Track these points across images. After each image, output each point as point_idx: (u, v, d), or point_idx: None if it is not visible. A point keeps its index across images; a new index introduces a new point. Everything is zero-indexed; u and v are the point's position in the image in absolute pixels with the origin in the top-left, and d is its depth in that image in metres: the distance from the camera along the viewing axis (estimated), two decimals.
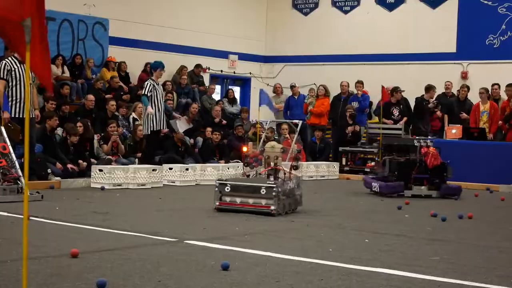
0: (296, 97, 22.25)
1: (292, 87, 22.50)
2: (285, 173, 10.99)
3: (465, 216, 10.80)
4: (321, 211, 11.36)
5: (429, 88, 20.18)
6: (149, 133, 16.13)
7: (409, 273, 6.53)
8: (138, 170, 14.27)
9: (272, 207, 10.39)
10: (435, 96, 20.28)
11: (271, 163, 10.90)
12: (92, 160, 15.31)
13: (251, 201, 10.61)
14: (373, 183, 14.24)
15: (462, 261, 7.28)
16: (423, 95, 20.36)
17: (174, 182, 15.07)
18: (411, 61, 23.24)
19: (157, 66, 16.50)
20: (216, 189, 10.82)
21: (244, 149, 13.04)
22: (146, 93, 16.11)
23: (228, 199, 10.76)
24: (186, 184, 15.05)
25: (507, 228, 9.96)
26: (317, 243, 8.10)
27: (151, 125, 16.06)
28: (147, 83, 16.26)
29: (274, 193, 10.39)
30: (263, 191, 10.45)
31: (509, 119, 18.04)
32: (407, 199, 12.98)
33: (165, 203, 11.93)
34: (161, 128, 16.29)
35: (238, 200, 10.70)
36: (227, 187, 10.75)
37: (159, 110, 16.13)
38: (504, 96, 19.06)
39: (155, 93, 16.09)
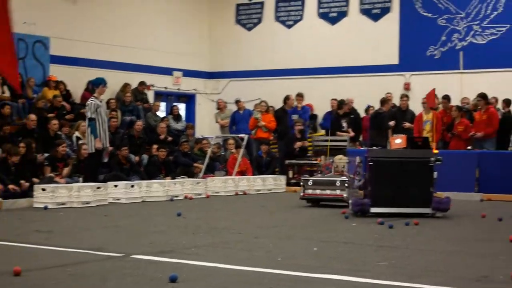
0: (241, 112, 22.24)
1: (237, 102, 22.49)
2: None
3: (411, 223, 10.85)
4: (269, 223, 11.32)
5: (384, 101, 20.27)
6: (94, 151, 15.77)
7: (358, 278, 6.53)
8: (82, 188, 14.07)
9: (344, 195, 13.64)
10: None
11: (340, 170, 14.28)
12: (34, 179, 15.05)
13: (328, 191, 13.96)
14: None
15: (409, 265, 7.30)
16: (380, 107, 20.48)
17: (119, 200, 14.87)
18: (355, 74, 23.38)
19: (99, 83, 16.17)
20: (301, 183, 14.21)
21: (319, 159, 16.06)
22: (91, 116, 15.62)
23: (310, 191, 14.06)
24: (132, 201, 14.87)
25: (451, 233, 10.03)
26: (265, 253, 8.05)
27: (94, 144, 15.62)
28: (91, 103, 15.69)
29: (346, 184, 13.73)
30: (338, 183, 13.83)
31: (452, 128, 18.25)
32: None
33: (110, 220, 11.77)
34: (106, 146, 15.95)
35: (318, 191, 14.01)
36: (310, 182, 14.09)
37: (102, 128, 15.82)
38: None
39: (100, 111, 15.78)
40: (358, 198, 12.74)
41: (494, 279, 6.57)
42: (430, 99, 17.07)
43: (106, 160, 16.14)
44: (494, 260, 7.60)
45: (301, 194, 14.16)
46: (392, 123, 19.66)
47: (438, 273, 6.84)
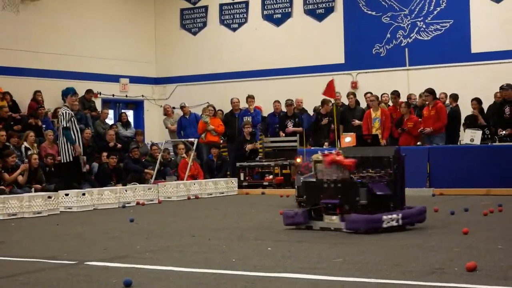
0: (187, 117, 22.17)
1: (182, 107, 22.40)
2: None
3: None
4: (222, 225, 11.28)
5: (323, 103, 20.34)
6: (71, 159, 15.72)
7: (313, 276, 6.52)
8: (33, 198, 13.89)
9: None
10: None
11: None
12: None
13: None
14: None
15: (364, 261, 7.31)
16: (320, 108, 20.58)
17: (71, 208, 14.72)
18: (302, 74, 23.47)
19: (68, 92, 16.25)
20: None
21: (298, 160, 14.40)
22: (66, 125, 15.65)
23: None
24: (83, 210, 14.72)
25: (408, 228, 10.07)
26: (220, 255, 8.01)
27: (71, 152, 15.66)
28: (65, 112, 15.75)
29: None
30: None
31: (400, 124, 18.39)
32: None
33: (62, 228, 11.63)
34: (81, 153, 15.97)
35: None
36: None
37: (77, 137, 15.80)
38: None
39: (73, 120, 15.74)
40: None
41: (449, 271, 6.60)
42: (329, 90, 16.96)
43: (85, 169, 16.23)
44: (448, 253, 7.65)
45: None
46: (324, 122, 19.81)
47: (394, 267, 6.85)
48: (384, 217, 9.52)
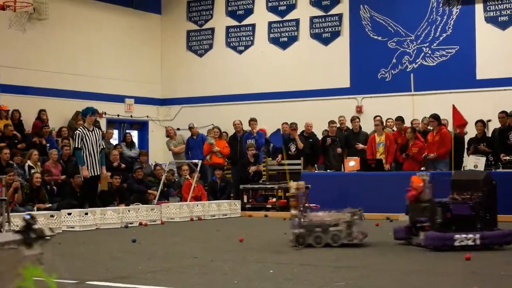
0: (195, 138, 22.21)
1: (191, 128, 22.46)
2: None
3: (368, 243, 10.87)
4: (225, 247, 11.26)
5: (329, 124, 20.45)
6: (82, 179, 16.01)
7: None
8: (35, 216, 13.84)
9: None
10: (335, 132, 20.53)
11: None
12: None
13: None
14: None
15: (367, 285, 7.29)
16: (326, 130, 20.65)
17: (73, 228, 14.69)
18: (307, 98, 23.49)
19: (87, 112, 16.39)
20: None
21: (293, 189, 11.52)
22: (77, 145, 15.93)
23: None
24: (86, 229, 14.69)
25: (410, 253, 10.04)
26: (221, 277, 7.99)
27: (90, 171, 15.82)
28: (77, 133, 16.06)
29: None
30: None
31: (405, 149, 18.37)
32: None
33: (65, 248, 11.59)
34: (97, 172, 16.00)
35: None
36: None
37: (91, 155, 15.86)
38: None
39: (86, 140, 15.81)
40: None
41: None
42: (457, 117, 16.90)
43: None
44: (455, 278, 7.64)
45: None
46: (328, 141, 19.85)
47: None
48: (457, 236, 10.00)
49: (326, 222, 10.82)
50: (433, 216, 10.49)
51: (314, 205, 11.44)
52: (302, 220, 10.88)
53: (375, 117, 20.30)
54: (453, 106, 16.54)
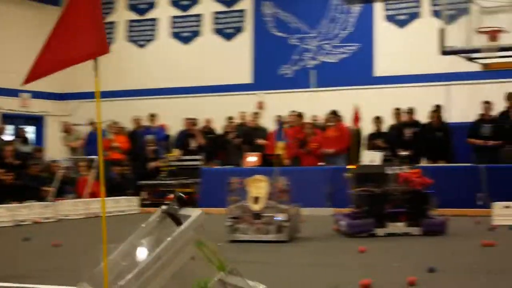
0: (96, 133, 21.89)
1: (92, 123, 22.08)
2: None
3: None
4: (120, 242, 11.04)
5: (229, 119, 20.44)
6: None
7: None
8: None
9: None
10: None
11: None
12: None
13: None
14: (341, 222, 12.00)
15: (263, 278, 7.23)
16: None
17: None
18: (209, 93, 23.40)
19: None
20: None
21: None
22: None
23: None
24: None
25: (305, 247, 10.07)
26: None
27: None
28: None
29: None
30: None
31: (304, 145, 18.46)
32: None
33: None
34: None
35: None
36: None
37: None
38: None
39: None
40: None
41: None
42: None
43: None
44: (345, 270, 7.68)
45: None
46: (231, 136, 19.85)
47: (292, 285, 6.83)
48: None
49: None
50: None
51: None
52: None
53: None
54: (356, 109, 16.77)
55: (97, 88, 5.11)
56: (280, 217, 10.78)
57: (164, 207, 4.87)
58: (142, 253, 4.86)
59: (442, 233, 11.29)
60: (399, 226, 11.24)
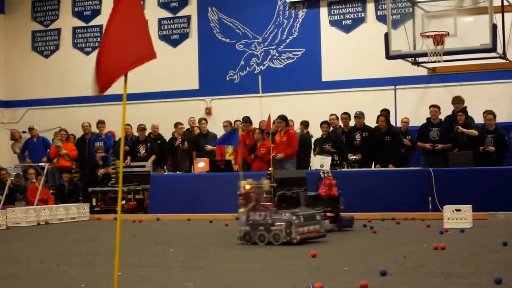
0: (35, 140, 21.69)
1: (31, 129, 21.90)
2: None
3: (217, 243, 10.94)
4: (72, 250, 11.06)
5: (176, 125, 20.45)
6: None
7: None
8: None
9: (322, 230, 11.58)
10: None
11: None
12: None
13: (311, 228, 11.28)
14: None
15: (214, 285, 7.34)
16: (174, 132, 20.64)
17: None
18: (156, 99, 23.42)
19: None
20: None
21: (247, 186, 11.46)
22: None
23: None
24: None
25: (258, 252, 10.17)
26: (69, 281, 7.86)
27: None
28: None
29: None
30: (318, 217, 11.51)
31: (253, 150, 18.56)
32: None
33: None
34: None
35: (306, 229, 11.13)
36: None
37: None
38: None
39: None
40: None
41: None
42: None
43: None
44: (297, 275, 7.76)
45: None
46: (178, 142, 19.91)
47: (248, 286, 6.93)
48: None
49: (268, 221, 10.90)
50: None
51: (269, 204, 11.30)
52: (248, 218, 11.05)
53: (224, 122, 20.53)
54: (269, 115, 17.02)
55: (124, 92, 5.18)
56: None
57: None
58: None
59: (351, 227, 12.98)
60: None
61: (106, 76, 4.75)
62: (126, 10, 4.75)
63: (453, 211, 13.09)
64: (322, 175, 13.08)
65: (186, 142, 20.23)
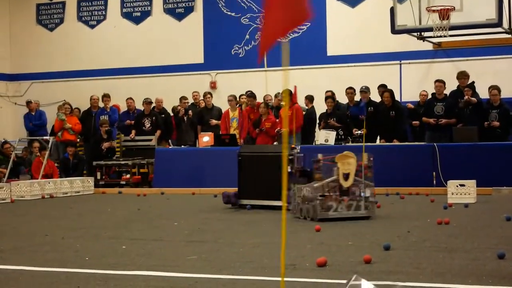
0: (33, 114, 21.71)
1: (29, 103, 21.91)
2: None
3: (221, 218, 10.97)
4: (77, 224, 11.10)
5: (181, 99, 20.45)
6: None
7: (167, 273, 6.52)
8: None
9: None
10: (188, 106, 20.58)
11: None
12: None
13: None
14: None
15: (218, 258, 7.36)
16: (178, 106, 20.61)
17: None
18: (161, 73, 23.39)
19: None
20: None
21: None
22: None
23: None
24: None
25: (259, 227, 10.21)
26: (73, 254, 7.89)
27: None
28: None
29: None
30: None
31: (258, 125, 18.54)
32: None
33: None
34: None
35: None
36: None
37: None
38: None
39: None
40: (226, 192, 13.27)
41: (302, 266, 6.74)
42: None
43: None
44: (301, 250, 7.78)
45: None
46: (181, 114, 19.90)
47: (248, 264, 6.94)
48: None
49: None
50: None
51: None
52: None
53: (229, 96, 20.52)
54: (295, 87, 17.05)
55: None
56: (367, 193, 10.78)
57: None
58: None
59: None
60: None
61: (267, 38, 4.81)
62: None
63: (457, 186, 13.10)
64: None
65: (190, 111, 20.22)
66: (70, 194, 17.38)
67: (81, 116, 21.53)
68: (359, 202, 10.72)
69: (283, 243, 4.72)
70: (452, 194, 13.02)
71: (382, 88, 18.17)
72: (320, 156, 11.11)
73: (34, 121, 21.43)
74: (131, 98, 20.92)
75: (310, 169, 11.83)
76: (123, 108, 21.89)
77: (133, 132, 19.91)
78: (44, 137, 19.81)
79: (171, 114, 20.85)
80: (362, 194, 10.71)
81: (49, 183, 17.23)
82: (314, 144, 18.62)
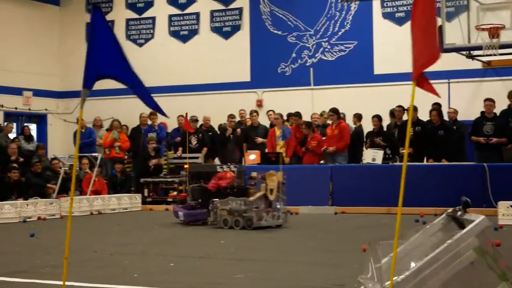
0: (83, 131, 21.93)
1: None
2: None
3: (270, 236, 10.95)
4: (124, 240, 11.17)
5: (228, 117, 20.56)
6: None
7: None
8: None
9: None
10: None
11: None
12: None
13: None
14: (179, 212, 13.98)
15: (266, 277, 7.35)
16: (225, 123, 20.70)
17: None
18: (207, 91, 23.50)
19: None
20: None
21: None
22: None
23: None
24: None
25: (308, 245, 10.17)
26: (121, 270, 7.94)
27: None
28: None
29: None
30: None
31: (305, 143, 18.51)
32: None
33: None
34: None
35: None
36: None
37: None
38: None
39: None
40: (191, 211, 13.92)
41: (349, 286, 6.70)
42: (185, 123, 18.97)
43: None
44: (348, 269, 7.75)
45: None
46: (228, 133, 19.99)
47: (296, 283, 6.91)
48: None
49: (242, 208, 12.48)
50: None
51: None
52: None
53: (267, 111, 20.58)
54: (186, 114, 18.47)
55: None
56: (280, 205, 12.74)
57: (449, 210, 5.06)
58: (422, 253, 5.04)
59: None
60: None
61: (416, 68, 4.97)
62: (424, 9, 4.86)
63: (508, 207, 12.92)
64: (219, 169, 14.04)
65: (238, 130, 20.28)
66: (118, 211, 17.51)
67: (130, 133, 21.67)
68: (278, 212, 12.64)
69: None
70: (503, 215, 12.83)
71: (436, 106, 17.99)
72: (254, 174, 13.15)
73: (84, 139, 21.60)
74: (182, 116, 21.02)
75: (246, 185, 13.39)
76: (170, 126, 22.00)
77: (180, 149, 20.04)
78: (93, 154, 19.98)
79: (218, 132, 20.92)
80: (278, 206, 12.64)
81: (97, 199, 17.39)
82: (361, 163, 18.49)
